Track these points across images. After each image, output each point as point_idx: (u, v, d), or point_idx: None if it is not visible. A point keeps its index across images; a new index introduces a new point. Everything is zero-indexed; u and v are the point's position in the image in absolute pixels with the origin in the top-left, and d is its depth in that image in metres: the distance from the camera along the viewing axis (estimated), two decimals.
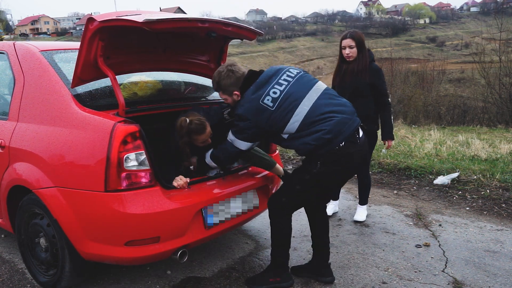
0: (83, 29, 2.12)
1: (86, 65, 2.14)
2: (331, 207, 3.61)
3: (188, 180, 2.30)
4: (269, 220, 2.48)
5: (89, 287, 2.50)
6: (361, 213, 3.54)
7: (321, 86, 2.32)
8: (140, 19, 1.94)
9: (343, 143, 2.19)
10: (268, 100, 2.20)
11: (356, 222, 3.49)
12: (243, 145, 2.31)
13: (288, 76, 2.29)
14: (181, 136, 2.39)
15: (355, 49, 3.13)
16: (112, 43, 2.17)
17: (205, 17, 2.29)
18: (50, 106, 2.27)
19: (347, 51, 3.15)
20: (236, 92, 2.33)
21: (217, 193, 2.36)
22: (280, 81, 2.26)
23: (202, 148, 2.51)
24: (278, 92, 2.21)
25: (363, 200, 3.56)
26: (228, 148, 2.36)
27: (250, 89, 2.27)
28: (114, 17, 2.01)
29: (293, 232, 2.55)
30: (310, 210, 2.60)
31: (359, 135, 2.30)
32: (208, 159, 2.45)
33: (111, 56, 2.26)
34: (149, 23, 1.93)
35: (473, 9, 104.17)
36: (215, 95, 2.86)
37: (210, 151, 2.46)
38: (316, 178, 2.28)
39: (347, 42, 3.14)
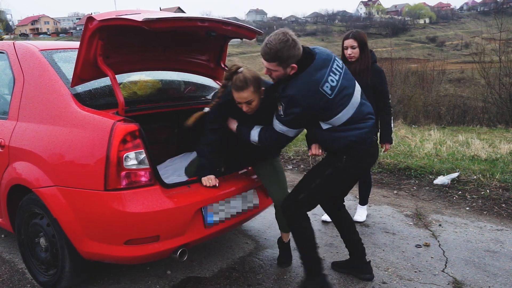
0: (82, 28, 2.12)
1: (86, 64, 2.14)
2: None
3: (217, 183, 2.37)
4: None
5: (89, 287, 2.50)
6: (361, 213, 3.54)
7: (358, 84, 2.32)
8: (139, 18, 1.93)
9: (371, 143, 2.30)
10: (327, 87, 2.09)
11: (356, 222, 3.49)
12: (290, 132, 2.22)
13: (337, 66, 2.20)
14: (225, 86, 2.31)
15: (357, 50, 3.12)
16: (111, 43, 2.17)
17: (205, 16, 2.28)
18: (49, 105, 2.27)
19: (349, 51, 3.14)
20: (294, 65, 2.12)
21: (217, 192, 2.36)
22: (333, 69, 2.16)
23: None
24: (335, 82, 2.13)
25: (363, 200, 3.56)
26: (272, 135, 2.26)
27: (310, 71, 2.10)
28: (114, 16, 2.01)
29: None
30: (332, 211, 2.61)
31: (376, 137, 2.43)
32: (253, 135, 2.33)
33: (111, 55, 2.25)
34: (148, 22, 1.93)
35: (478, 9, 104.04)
36: None
37: (259, 128, 2.33)
38: (339, 173, 2.28)
39: (349, 42, 3.13)
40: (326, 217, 3.49)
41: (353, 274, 2.59)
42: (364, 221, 3.50)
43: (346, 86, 2.17)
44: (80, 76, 2.18)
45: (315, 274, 2.36)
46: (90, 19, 2.02)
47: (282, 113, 2.15)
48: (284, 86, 2.15)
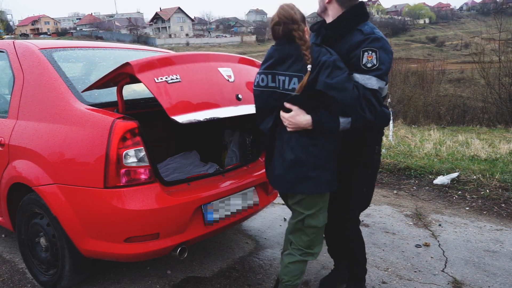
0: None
1: (106, 85, 2.17)
2: None
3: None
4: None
5: (89, 287, 2.50)
6: None
7: None
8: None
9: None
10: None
11: None
12: (385, 89, 1.84)
13: None
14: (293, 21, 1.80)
15: None
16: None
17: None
18: (49, 104, 2.27)
19: None
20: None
21: (217, 190, 2.36)
22: None
23: None
24: None
25: None
26: (378, 98, 1.77)
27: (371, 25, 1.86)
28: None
29: None
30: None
31: None
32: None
33: None
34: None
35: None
36: None
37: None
38: (377, 167, 2.13)
39: None
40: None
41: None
42: (363, 221, 3.50)
43: None
44: (95, 88, 2.20)
45: (363, 279, 2.34)
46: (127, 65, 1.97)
47: (376, 62, 1.75)
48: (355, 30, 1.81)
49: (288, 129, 1.85)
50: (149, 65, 2.00)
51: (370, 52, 1.76)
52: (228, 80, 2.34)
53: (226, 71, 2.36)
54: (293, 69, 1.80)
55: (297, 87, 1.76)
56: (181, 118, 1.98)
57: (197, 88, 2.15)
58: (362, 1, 1.94)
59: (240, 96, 2.34)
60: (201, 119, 2.05)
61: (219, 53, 2.52)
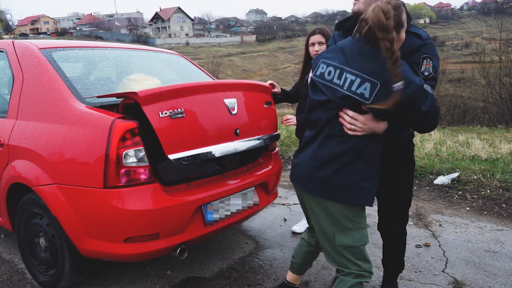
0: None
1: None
2: None
3: None
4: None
5: (89, 287, 2.49)
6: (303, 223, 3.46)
7: None
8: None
9: None
10: None
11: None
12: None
13: None
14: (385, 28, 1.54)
15: (324, 46, 2.82)
16: None
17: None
18: (49, 104, 2.27)
19: (316, 47, 2.85)
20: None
21: (217, 190, 2.35)
22: None
23: None
24: None
25: None
26: (435, 103, 1.64)
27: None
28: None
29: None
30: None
31: None
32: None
33: None
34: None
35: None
36: None
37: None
38: (414, 165, 2.09)
39: (317, 38, 2.87)
40: (296, 228, 3.33)
41: None
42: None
43: None
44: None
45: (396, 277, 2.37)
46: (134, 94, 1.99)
47: (432, 71, 1.71)
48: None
49: (356, 133, 1.64)
50: (156, 97, 2.02)
51: (429, 60, 1.70)
52: (230, 113, 2.37)
53: (231, 103, 2.39)
54: (368, 71, 1.57)
55: (386, 104, 1.52)
56: (176, 156, 2.06)
57: (197, 124, 2.19)
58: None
59: (238, 131, 2.40)
60: (195, 158, 2.14)
61: (228, 82, 2.52)
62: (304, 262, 2.22)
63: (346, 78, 1.62)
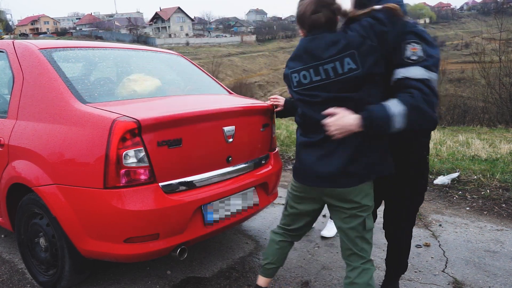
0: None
1: None
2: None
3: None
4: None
5: (89, 287, 2.49)
6: (330, 227, 3.44)
7: None
8: None
9: None
10: None
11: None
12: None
13: None
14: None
15: None
16: None
17: None
18: (49, 104, 2.27)
19: None
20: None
21: (216, 190, 2.36)
22: None
23: None
24: None
25: None
26: (434, 89, 1.62)
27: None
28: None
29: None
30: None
31: None
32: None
33: None
34: None
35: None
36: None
37: (404, 95, 1.60)
38: (427, 161, 2.05)
39: None
40: (326, 233, 3.22)
41: None
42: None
43: None
44: None
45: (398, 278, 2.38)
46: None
47: (423, 54, 1.64)
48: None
49: (338, 136, 1.64)
50: (157, 124, 2.05)
51: (414, 44, 1.67)
52: (226, 141, 2.42)
53: (229, 131, 2.43)
54: (340, 50, 1.61)
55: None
56: (165, 183, 2.11)
57: (193, 153, 2.23)
58: None
59: (230, 158, 2.46)
60: (183, 185, 2.20)
61: (230, 109, 2.49)
62: (281, 261, 2.14)
63: (325, 69, 1.65)
